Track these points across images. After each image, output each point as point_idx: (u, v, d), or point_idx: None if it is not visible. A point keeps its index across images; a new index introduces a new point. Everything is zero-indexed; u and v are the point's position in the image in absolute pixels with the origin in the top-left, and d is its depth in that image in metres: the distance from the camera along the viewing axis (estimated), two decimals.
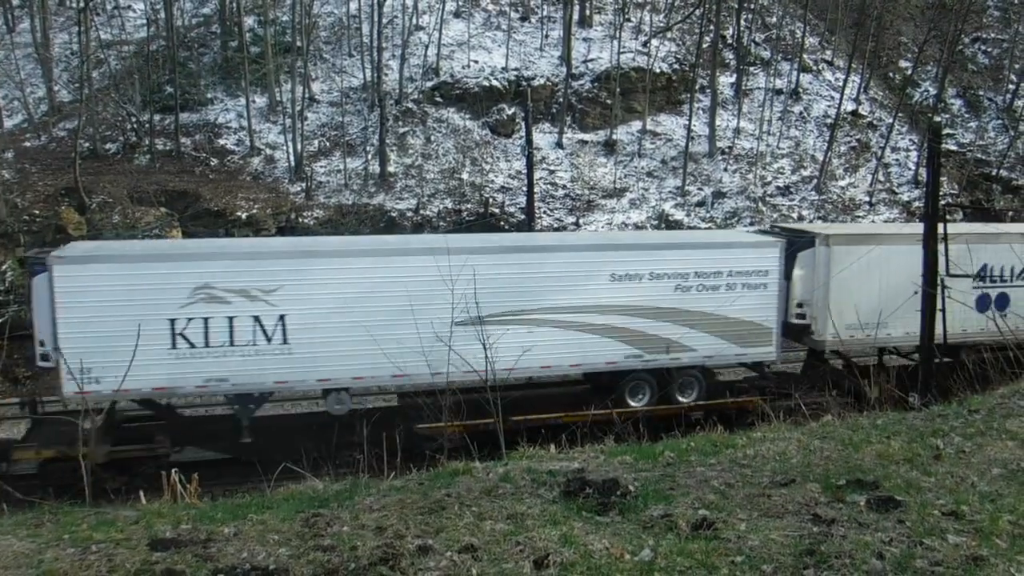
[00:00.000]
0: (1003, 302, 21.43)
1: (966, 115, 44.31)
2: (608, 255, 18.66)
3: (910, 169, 40.08)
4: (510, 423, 17.38)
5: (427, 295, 16.08)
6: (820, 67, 44.48)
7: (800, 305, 19.95)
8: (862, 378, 20.46)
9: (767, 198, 37.23)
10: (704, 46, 41.72)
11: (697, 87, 40.46)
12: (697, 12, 43.64)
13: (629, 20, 43.20)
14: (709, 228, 34.62)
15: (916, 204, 37.02)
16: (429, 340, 15.30)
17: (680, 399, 19.49)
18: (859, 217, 37.25)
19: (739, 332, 19.30)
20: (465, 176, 35.06)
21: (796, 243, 20.03)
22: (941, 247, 19.36)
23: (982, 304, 21.07)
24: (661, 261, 18.68)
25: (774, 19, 46.21)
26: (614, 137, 38.40)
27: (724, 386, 21.23)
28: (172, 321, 15.86)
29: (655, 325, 18.63)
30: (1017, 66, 45.52)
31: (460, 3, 42.22)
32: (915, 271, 18.93)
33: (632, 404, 18.94)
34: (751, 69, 42.94)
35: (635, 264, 18.48)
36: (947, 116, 42.95)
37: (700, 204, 36.30)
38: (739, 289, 19.02)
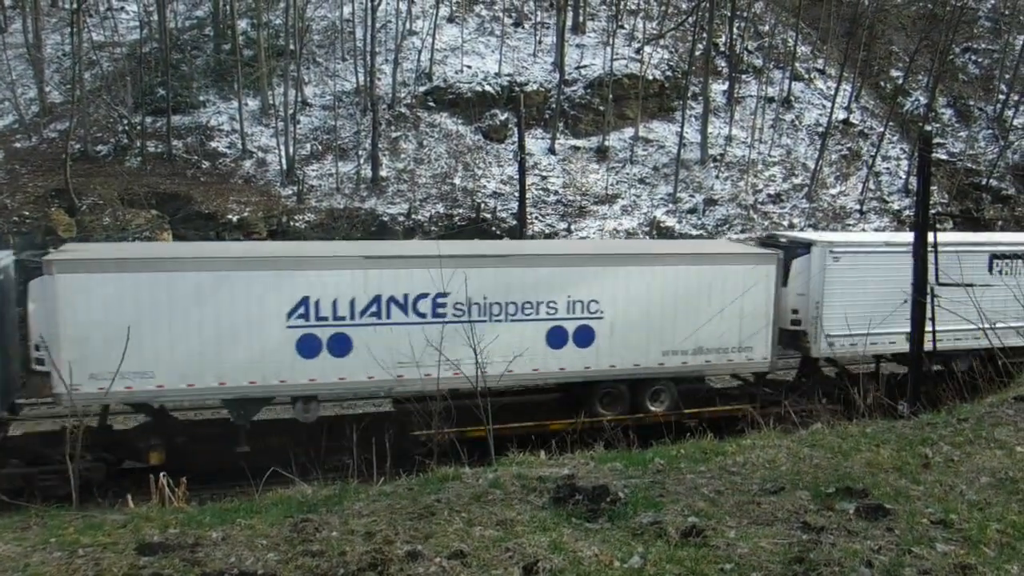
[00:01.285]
0: (343, 347, 16.41)
1: (956, 124, 44.58)
2: None
3: (900, 178, 40.29)
4: None
5: None
6: (812, 76, 44.69)
7: (38, 348, 15.42)
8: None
9: (758, 206, 37.35)
10: (697, 54, 41.86)
11: (689, 94, 40.59)
12: (690, 20, 43.79)
13: (622, 27, 43.34)
14: (700, 235, 34.74)
15: (906, 213, 37.22)
16: None
17: None
18: (849, 225, 37.42)
19: None
20: (457, 181, 35.06)
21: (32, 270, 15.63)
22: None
23: (305, 349, 16.14)
24: None
25: (766, 27, 46.44)
26: (606, 143, 38.48)
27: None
28: None
29: None
30: (1007, 76, 45.84)
31: (454, 8, 42.28)
32: (233, 304, 15.35)
33: None
34: (743, 77, 43.10)
35: None
36: (937, 125, 43.21)
37: (691, 211, 36.39)
38: None
